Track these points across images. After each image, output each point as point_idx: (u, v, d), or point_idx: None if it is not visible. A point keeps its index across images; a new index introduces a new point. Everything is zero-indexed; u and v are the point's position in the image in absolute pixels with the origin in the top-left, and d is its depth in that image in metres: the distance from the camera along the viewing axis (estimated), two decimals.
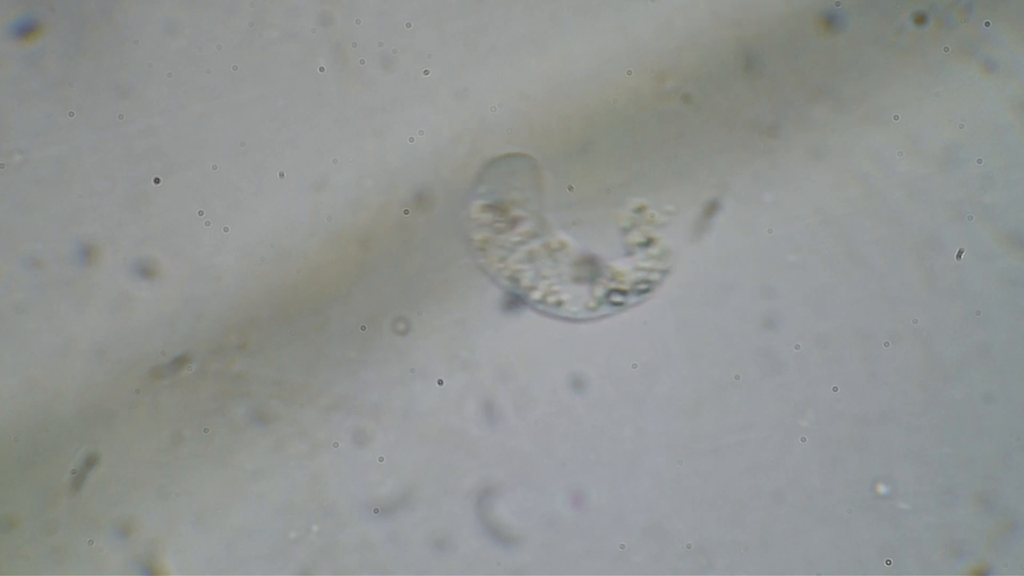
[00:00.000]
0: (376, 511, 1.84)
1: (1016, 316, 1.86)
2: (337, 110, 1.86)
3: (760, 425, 1.85)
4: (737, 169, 1.86)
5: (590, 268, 1.78)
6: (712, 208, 1.86)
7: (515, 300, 1.81)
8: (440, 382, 1.85)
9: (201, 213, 1.85)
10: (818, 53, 1.87)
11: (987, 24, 1.87)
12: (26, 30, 1.85)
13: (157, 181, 1.85)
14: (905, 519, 1.85)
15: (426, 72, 1.86)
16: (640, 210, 1.81)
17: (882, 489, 1.84)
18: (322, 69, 1.86)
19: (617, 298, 1.75)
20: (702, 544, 1.84)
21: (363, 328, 1.84)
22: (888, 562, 1.84)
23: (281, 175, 1.86)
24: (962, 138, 1.87)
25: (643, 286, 1.79)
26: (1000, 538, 1.84)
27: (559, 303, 1.81)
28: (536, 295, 1.80)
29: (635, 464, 1.85)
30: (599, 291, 1.73)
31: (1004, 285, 1.86)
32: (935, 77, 1.87)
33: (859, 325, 1.86)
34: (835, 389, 1.85)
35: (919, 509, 1.85)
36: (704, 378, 1.85)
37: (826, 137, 1.86)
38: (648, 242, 1.81)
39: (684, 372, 1.85)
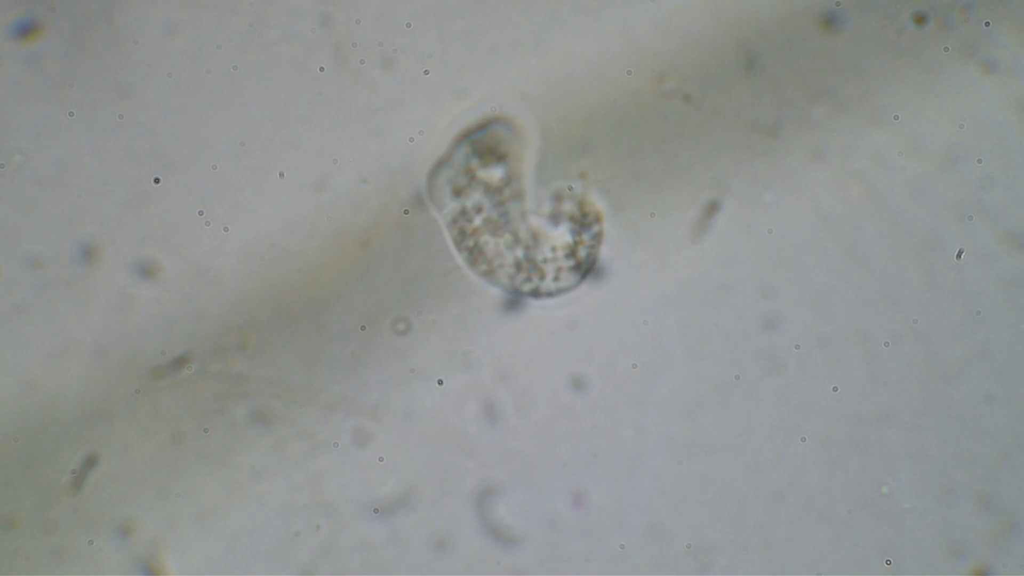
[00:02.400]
0: (376, 511, 1.84)
1: (1016, 316, 1.86)
2: (337, 110, 1.86)
3: (760, 425, 1.85)
4: (737, 169, 1.86)
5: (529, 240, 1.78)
6: (712, 208, 1.86)
7: (514, 299, 1.81)
8: (440, 382, 1.85)
9: (201, 213, 1.85)
10: (818, 53, 1.87)
11: (987, 24, 1.87)
12: (26, 30, 1.85)
13: (157, 181, 1.85)
14: (906, 519, 1.85)
15: (426, 72, 1.87)
16: (559, 195, 1.82)
17: (888, 491, 1.84)
18: (322, 69, 1.86)
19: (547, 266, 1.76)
20: (702, 544, 1.85)
21: (363, 328, 1.84)
22: (888, 562, 1.84)
23: (281, 175, 1.86)
24: (962, 138, 1.87)
25: (584, 249, 1.80)
26: (1001, 538, 1.84)
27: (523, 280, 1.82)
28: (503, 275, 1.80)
29: (635, 464, 1.85)
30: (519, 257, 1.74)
31: (1004, 285, 1.86)
32: (935, 77, 1.87)
33: (859, 325, 1.86)
34: (835, 389, 1.85)
35: (919, 509, 1.85)
36: (704, 378, 1.85)
37: (826, 137, 1.86)
38: (581, 215, 1.81)
39: (684, 372, 1.85)
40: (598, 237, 1.81)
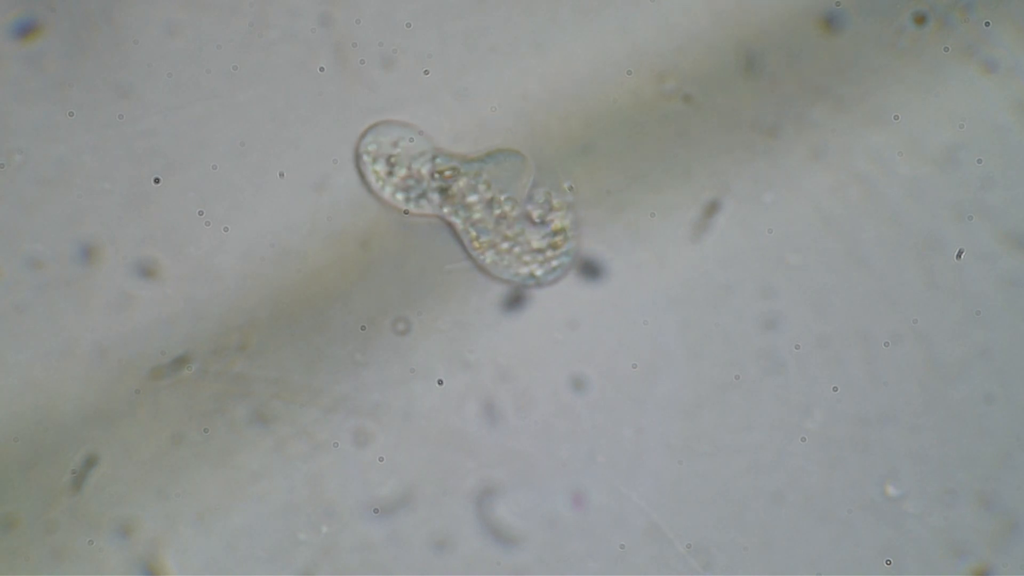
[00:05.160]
0: (376, 511, 1.84)
1: (1016, 316, 1.86)
2: (337, 110, 1.87)
3: (760, 425, 1.85)
4: (737, 169, 1.86)
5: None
6: (712, 208, 1.86)
7: (517, 296, 1.81)
8: (440, 382, 1.85)
9: (201, 213, 1.85)
10: (818, 53, 1.88)
11: (987, 24, 1.87)
12: (26, 30, 1.85)
13: (157, 181, 1.85)
14: (906, 519, 1.85)
15: (426, 72, 1.87)
16: (546, 198, 1.82)
17: (891, 491, 1.84)
18: (322, 69, 1.86)
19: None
20: (702, 544, 1.85)
21: (363, 328, 1.84)
22: (888, 562, 1.84)
23: (281, 175, 1.86)
24: (962, 138, 1.87)
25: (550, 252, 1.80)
26: (1001, 538, 1.84)
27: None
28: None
29: (635, 464, 1.85)
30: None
31: (1004, 285, 1.86)
32: (935, 77, 1.88)
33: (859, 325, 1.86)
34: (835, 389, 1.85)
35: (920, 509, 1.85)
36: (704, 378, 1.85)
37: (826, 137, 1.87)
38: (554, 227, 1.81)
39: (684, 372, 1.85)
40: (570, 253, 1.82)
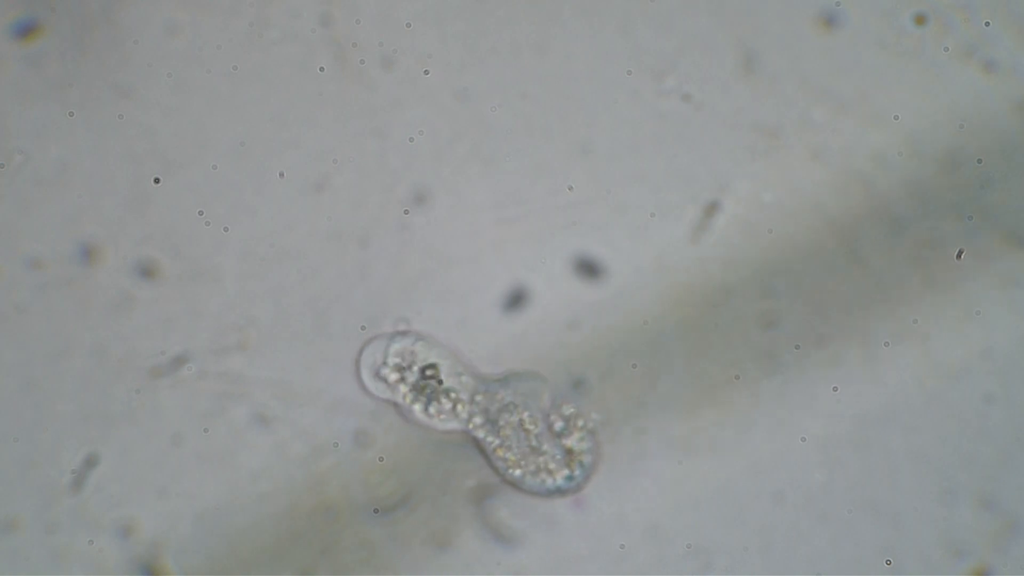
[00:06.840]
0: (376, 511, 1.84)
1: (1016, 316, 1.86)
2: (337, 110, 1.86)
3: (760, 425, 1.85)
4: (737, 169, 1.86)
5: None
6: (712, 208, 1.86)
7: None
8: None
9: (201, 213, 1.85)
10: (818, 53, 1.88)
11: (987, 24, 1.87)
12: (26, 30, 1.85)
13: (157, 181, 1.85)
14: (906, 519, 1.85)
15: (426, 72, 1.87)
16: (572, 416, 1.82)
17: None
18: (322, 69, 1.86)
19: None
20: (702, 544, 1.84)
21: (363, 328, 1.84)
22: (888, 562, 1.84)
23: (281, 175, 1.86)
24: (962, 138, 1.87)
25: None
26: (1001, 538, 1.84)
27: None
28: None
29: (635, 464, 1.85)
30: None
31: (1004, 285, 1.86)
32: (935, 77, 1.88)
33: (859, 325, 1.86)
34: (835, 389, 1.85)
35: (919, 510, 1.85)
36: (704, 378, 1.85)
37: (826, 137, 1.87)
38: (568, 446, 1.82)
39: (684, 372, 1.85)
40: (587, 466, 1.82)
